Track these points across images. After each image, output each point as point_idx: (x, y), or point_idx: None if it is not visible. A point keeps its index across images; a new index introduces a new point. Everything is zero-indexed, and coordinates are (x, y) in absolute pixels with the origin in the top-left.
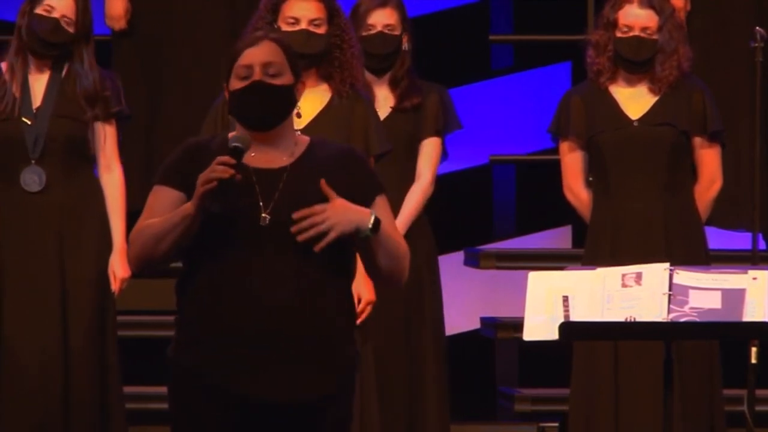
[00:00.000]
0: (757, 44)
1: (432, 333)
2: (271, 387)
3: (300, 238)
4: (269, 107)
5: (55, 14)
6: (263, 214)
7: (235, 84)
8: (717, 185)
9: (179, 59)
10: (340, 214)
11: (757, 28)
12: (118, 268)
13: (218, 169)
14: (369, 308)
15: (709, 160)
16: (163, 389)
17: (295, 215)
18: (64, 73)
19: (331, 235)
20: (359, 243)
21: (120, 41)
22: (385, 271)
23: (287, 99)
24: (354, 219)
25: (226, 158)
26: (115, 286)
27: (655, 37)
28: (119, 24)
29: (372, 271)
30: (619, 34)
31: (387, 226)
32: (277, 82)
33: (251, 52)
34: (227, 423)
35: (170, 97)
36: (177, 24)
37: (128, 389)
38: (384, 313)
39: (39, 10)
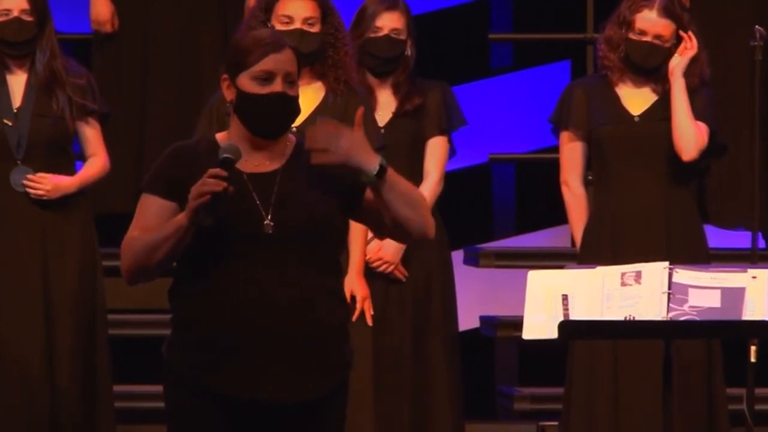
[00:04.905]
0: (757, 43)
1: (442, 334)
2: (269, 389)
3: (308, 143)
4: (286, 118)
5: (14, 14)
6: (266, 222)
7: (252, 87)
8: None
9: (165, 59)
10: (356, 144)
11: (757, 27)
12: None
13: (210, 182)
14: (366, 303)
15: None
16: (155, 388)
17: (318, 121)
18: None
19: (333, 158)
20: (372, 194)
21: (102, 43)
22: (405, 221)
23: (298, 108)
24: (363, 155)
25: (217, 170)
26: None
27: (667, 45)
28: (105, 28)
29: (393, 226)
30: (632, 36)
31: (393, 175)
32: (293, 92)
33: (275, 58)
34: (223, 424)
35: (156, 98)
36: (163, 23)
37: (120, 388)
38: (394, 314)
39: None
